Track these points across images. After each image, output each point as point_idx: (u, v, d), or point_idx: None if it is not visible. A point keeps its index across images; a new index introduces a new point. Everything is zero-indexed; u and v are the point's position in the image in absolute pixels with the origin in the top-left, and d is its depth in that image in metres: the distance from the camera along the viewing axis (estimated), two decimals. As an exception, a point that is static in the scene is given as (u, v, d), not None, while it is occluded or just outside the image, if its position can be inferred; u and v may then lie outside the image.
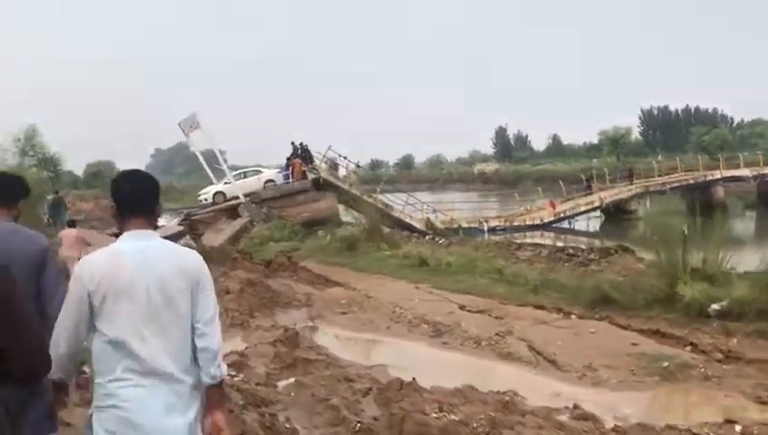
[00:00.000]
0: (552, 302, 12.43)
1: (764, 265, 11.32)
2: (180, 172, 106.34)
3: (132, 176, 2.94)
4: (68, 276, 3.52)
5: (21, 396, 2.59)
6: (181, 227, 23.96)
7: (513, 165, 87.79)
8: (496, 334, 10.61)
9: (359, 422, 6.16)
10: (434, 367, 9.06)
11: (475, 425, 5.70)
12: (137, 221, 2.79)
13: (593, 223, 36.30)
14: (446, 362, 9.51)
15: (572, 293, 12.56)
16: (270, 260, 19.12)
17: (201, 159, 30.41)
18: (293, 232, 24.34)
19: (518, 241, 22.98)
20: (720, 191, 37.83)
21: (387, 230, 21.51)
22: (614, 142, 77.56)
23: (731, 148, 61.48)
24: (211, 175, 31.04)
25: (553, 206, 34.60)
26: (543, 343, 9.96)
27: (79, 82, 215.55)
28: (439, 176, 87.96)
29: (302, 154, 29.63)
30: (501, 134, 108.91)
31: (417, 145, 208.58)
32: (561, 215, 33.87)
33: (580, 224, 35.05)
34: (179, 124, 28.45)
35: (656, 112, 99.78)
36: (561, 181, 40.46)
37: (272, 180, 29.76)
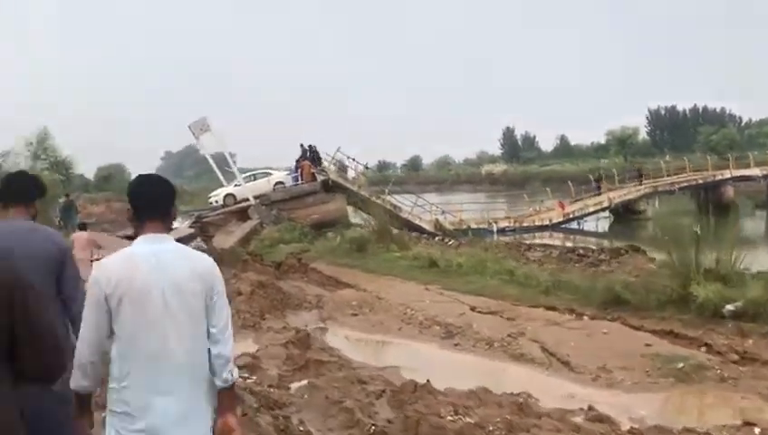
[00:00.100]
0: (563, 303, 12.37)
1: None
2: (190, 175, 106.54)
3: (148, 180, 2.96)
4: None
5: (36, 399, 2.58)
6: (192, 230, 24.04)
7: (521, 166, 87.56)
8: (508, 336, 10.57)
9: (373, 425, 6.14)
10: (446, 369, 9.03)
11: (491, 428, 5.67)
12: (152, 224, 2.81)
13: (602, 223, 36.19)
14: (459, 364, 9.48)
15: (584, 294, 12.49)
16: (280, 262, 19.13)
17: (211, 161, 30.45)
18: (303, 234, 24.34)
19: (528, 242, 22.93)
20: (730, 191, 37.59)
21: (396, 231, 21.47)
22: (621, 142, 77.34)
23: (739, 147, 61.15)
24: (221, 177, 31.08)
25: (562, 206, 34.51)
26: (556, 345, 9.92)
27: (89, 85, 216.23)
28: (447, 177, 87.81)
29: (310, 156, 29.64)
30: (508, 135, 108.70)
31: (425, 146, 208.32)
32: (571, 215, 33.76)
33: (589, 224, 34.92)
34: (189, 127, 28.49)
35: (663, 112, 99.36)
36: (569, 182, 40.37)
37: (281, 182, 29.77)
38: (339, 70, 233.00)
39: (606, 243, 27.04)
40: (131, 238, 2.90)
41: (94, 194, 52.58)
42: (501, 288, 14.03)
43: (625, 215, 35.71)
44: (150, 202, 2.85)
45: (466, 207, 34.58)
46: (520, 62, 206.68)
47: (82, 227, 14.30)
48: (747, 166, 39.97)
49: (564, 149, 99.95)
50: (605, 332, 10.46)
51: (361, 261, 18.64)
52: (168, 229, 2.89)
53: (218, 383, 2.79)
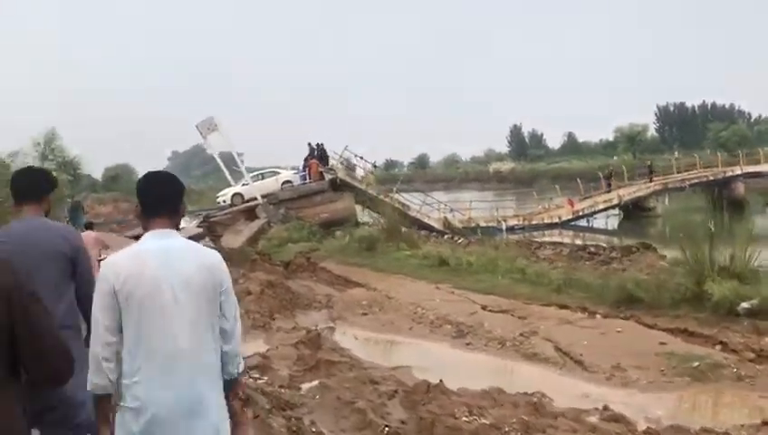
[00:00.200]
0: (575, 301, 12.24)
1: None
2: (197, 175, 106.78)
3: (157, 177, 2.97)
4: None
5: (38, 400, 2.55)
6: (200, 229, 24.02)
7: (529, 163, 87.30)
8: (521, 335, 10.47)
9: (386, 426, 6.06)
10: (458, 368, 8.93)
11: (507, 429, 5.59)
12: (160, 221, 2.81)
13: (612, 221, 36.05)
14: (471, 364, 9.39)
15: (597, 292, 12.35)
16: (289, 261, 19.07)
17: (219, 160, 30.43)
18: (311, 233, 24.27)
19: (538, 240, 22.82)
20: (740, 187, 37.31)
21: (405, 230, 21.36)
22: (630, 140, 77.00)
23: (749, 143, 60.64)
24: (229, 177, 31.05)
25: (572, 204, 34.38)
26: (569, 344, 9.80)
27: (96, 86, 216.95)
28: (455, 175, 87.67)
29: (318, 154, 29.56)
30: (516, 132, 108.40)
31: (432, 144, 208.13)
32: (580, 213, 33.64)
33: (598, 222, 34.79)
34: (197, 127, 28.45)
35: (672, 109, 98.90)
36: (578, 179, 40.24)
37: (289, 181, 29.73)
38: (342, 69, 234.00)
39: (616, 240, 26.93)
40: (139, 239, 2.88)
41: (102, 194, 52.75)
42: (512, 287, 13.91)
43: (635, 212, 35.53)
44: (158, 199, 2.85)
45: (475, 206, 34.45)
46: (526, 60, 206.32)
47: (89, 226, 14.30)
48: (757, 162, 39.69)
49: (572, 147, 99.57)
50: (619, 330, 10.32)
51: (371, 260, 18.54)
52: (176, 226, 2.89)
53: (223, 377, 2.83)
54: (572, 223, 32.88)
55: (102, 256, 11.88)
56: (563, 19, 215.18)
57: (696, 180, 37.49)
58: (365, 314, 12.52)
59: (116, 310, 2.64)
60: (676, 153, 53.37)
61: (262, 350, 9.67)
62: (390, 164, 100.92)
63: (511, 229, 30.13)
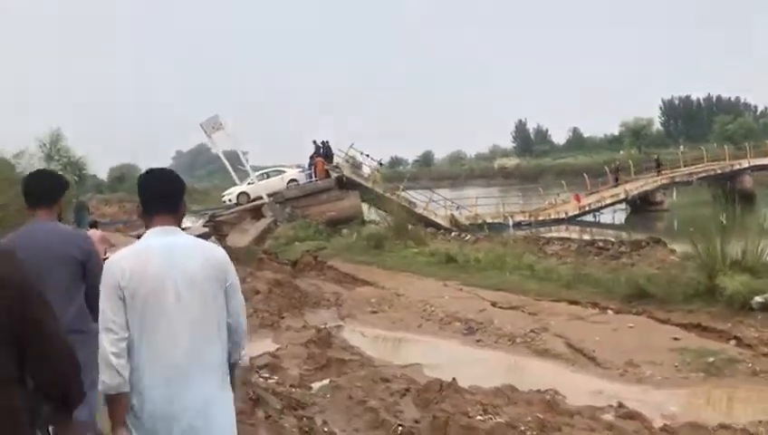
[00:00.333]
0: (586, 297, 12.13)
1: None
2: (202, 174, 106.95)
3: (158, 174, 2.95)
4: None
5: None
6: (206, 229, 23.97)
7: (534, 159, 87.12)
8: (531, 331, 10.37)
9: (399, 425, 6.00)
10: (469, 366, 8.85)
11: (522, 428, 5.50)
12: (162, 218, 2.80)
13: (618, 215, 35.92)
14: (482, 361, 9.31)
15: (607, 287, 12.25)
16: (296, 260, 19.02)
17: (224, 159, 30.38)
18: (318, 231, 24.20)
19: (546, 236, 22.72)
20: (748, 180, 37.15)
21: (412, 227, 21.29)
22: (635, 134, 76.63)
23: (755, 136, 60.34)
24: (234, 176, 30.99)
25: (578, 199, 34.26)
26: (581, 340, 9.70)
27: (100, 86, 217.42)
28: (460, 172, 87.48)
29: (323, 152, 29.48)
30: (520, 128, 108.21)
31: (437, 141, 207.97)
32: (587, 208, 33.54)
33: (605, 217, 34.68)
34: (201, 125, 28.39)
35: (677, 102, 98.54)
36: (585, 174, 40.10)
37: (295, 180, 29.64)
38: (342, 68, 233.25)
39: (624, 235, 26.77)
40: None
41: (107, 195, 52.83)
42: (521, 283, 13.81)
43: (642, 206, 35.40)
44: (160, 195, 2.85)
45: (481, 202, 34.37)
46: (530, 56, 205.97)
47: (94, 224, 14.29)
48: (765, 154, 39.55)
49: (577, 142, 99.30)
50: (631, 326, 10.21)
51: (378, 258, 18.46)
52: (178, 223, 2.88)
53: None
54: (579, 218, 32.78)
55: (107, 255, 11.88)
56: (566, 14, 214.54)
57: (704, 174, 37.35)
58: (374, 312, 12.46)
59: (121, 303, 2.62)
60: (681, 147, 53.10)
61: (271, 349, 9.63)
62: (395, 161, 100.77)
63: (517, 225, 30.03)
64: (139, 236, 2.93)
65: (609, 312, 11.20)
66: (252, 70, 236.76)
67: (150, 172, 2.96)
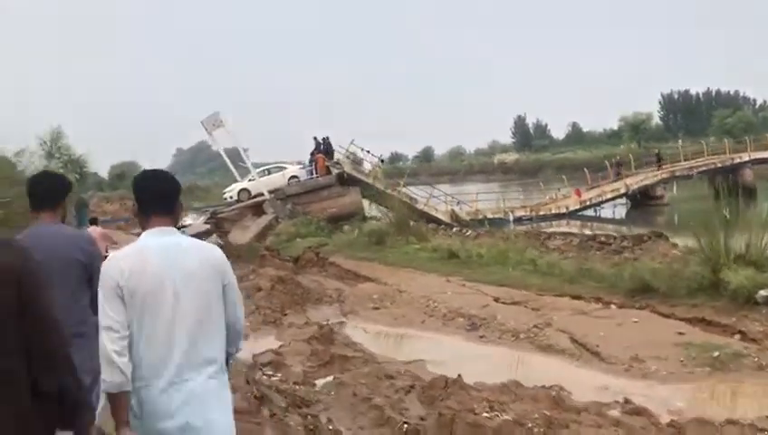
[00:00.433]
0: (589, 291, 12.10)
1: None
2: (203, 171, 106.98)
3: (153, 175, 2.99)
4: None
5: None
6: (208, 226, 23.96)
7: (534, 154, 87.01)
8: (535, 326, 10.33)
9: (405, 423, 5.97)
10: (473, 362, 8.82)
11: (530, 425, 5.46)
12: (158, 219, 2.82)
13: (619, 210, 35.88)
14: (486, 357, 9.28)
15: (610, 282, 12.21)
16: (298, 256, 18.97)
17: (225, 156, 30.29)
18: (319, 227, 24.14)
19: (547, 230, 22.64)
20: (749, 174, 37.04)
21: (413, 223, 21.24)
22: (635, 128, 76.57)
23: (755, 130, 60.29)
24: (235, 173, 30.91)
25: (579, 194, 34.22)
26: (585, 335, 9.67)
27: (101, 85, 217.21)
28: (460, 167, 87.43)
29: (324, 149, 29.39)
30: (520, 123, 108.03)
31: (437, 137, 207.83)
32: (587, 203, 33.49)
33: (605, 211, 34.64)
34: (202, 123, 28.29)
35: (676, 97, 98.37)
36: (585, 169, 40.05)
37: (295, 176, 29.55)
38: (342, 67, 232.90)
39: (624, 229, 26.73)
40: None
41: (108, 192, 52.80)
42: (524, 278, 13.77)
43: (642, 201, 35.35)
44: (155, 196, 2.86)
45: (481, 197, 34.33)
46: (529, 52, 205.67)
47: (94, 221, 14.27)
48: (765, 148, 39.48)
49: (576, 137, 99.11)
50: (635, 320, 10.18)
51: (380, 254, 18.41)
52: (174, 224, 2.89)
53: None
54: (580, 213, 32.73)
55: (109, 252, 11.84)
56: (566, 10, 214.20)
57: (704, 168, 37.23)
58: (376, 309, 12.43)
59: (122, 304, 2.63)
60: (680, 141, 52.99)
61: (274, 346, 9.61)
62: (395, 157, 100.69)
63: (518, 220, 29.99)
64: (140, 234, 2.92)
65: (613, 306, 11.16)
66: (252, 70, 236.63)
67: (146, 173, 3.01)
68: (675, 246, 16.08)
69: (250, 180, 29.79)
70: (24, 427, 2.06)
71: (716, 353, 8.31)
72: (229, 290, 2.85)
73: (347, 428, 6.21)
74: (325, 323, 11.15)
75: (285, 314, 11.89)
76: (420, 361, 8.97)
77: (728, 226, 11.27)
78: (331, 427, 6.13)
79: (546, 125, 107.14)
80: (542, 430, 5.43)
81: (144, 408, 2.64)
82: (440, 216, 27.90)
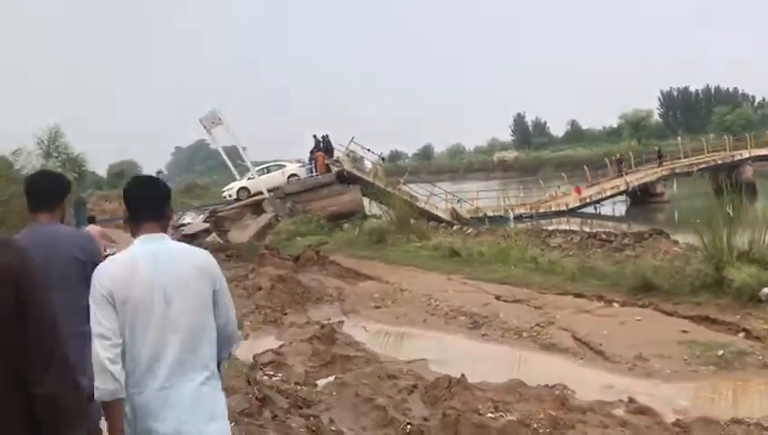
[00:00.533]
0: (591, 289, 12.02)
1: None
2: (201, 169, 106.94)
3: (142, 181, 3.05)
4: None
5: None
6: (207, 225, 23.89)
7: (533, 152, 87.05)
8: (537, 325, 10.25)
9: (408, 423, 5.91)
10: (476, 361, 8.72)
11: (535, 425, 5.40)
12: (148, 225, 2.85)
13: (619, 207, 35.86)
14: (489, 355, 9.19)
15: (612, 280, 12.14)
16: (298, 255, 18.88)
17: (223, 154, 30.22)
18: (319, 226, 24.10)
19: (548, 228, 22.59)
20: (749, 171, 37.04)
21: (414, 221, 21.17)
22: (634, 126, 76.68)
23: (754, 127, 60.29)
24: (234, 171, 30.82)
25: (579, 191, 34.18)
26: (587, 333, 9.59)
27: (100, 84, 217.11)
28: (459, 165, 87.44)
29: (324, 147, 29.31)
30: (519, 121, 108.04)
31: (437, 135, 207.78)
32: (587, 200, 33.47)
33: (605, 208, 34.63)
34: (201, 121, 28.21)
35: (675, 94, 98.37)
36: (585, 166, 40.00)
37: (295, 174, 29.47)
38: (342, 66, 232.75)
39: (625, 227, 26.71)
40: None
41: (107, 191, 52.70)
42: (525, 276, 13.69)
43: (642, 198, 35.34)
44: (145, 203, 2.89)
45: (481, 195, 34.29)
46: (528, 49, 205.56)
47: (92, 220, 14.20)
48: (765, 145, 39.47)
49: (576, 134, 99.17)
50: (638, 319, 10.08)
51: (381, 252, 18.35)
52: (164, 229, 2.92)
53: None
54: (580, 210, 32.71)
55: (107, 252, 11.77)
56: (564, 7, 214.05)
57: (704, 165, 37.23)
58: (378, 308, 12.35)
59: (114, 311, 2.64)
60: (680, 138, 52.97)
61: (275, 346, 9.54)
62: (395, 155, 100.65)
63: (518, 218, 29.94)
64: None
65: (615, 304, 11.08)
66: (252, 70, 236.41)
67: (136, 180, 3.05)
68: (676, 243, 16.02)
69: (249, 179, 29.71)
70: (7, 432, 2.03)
71: (721, 352, 8.23)
72: (220, 294, 2.86)
73: (349, 429, 6.14)
74: (326, 322, 11.08)
75: (286, 314, 11.81)
76: (422, 360, 8.89)
77: (731, 223, 11.20)
78: (333, 428, 6.07)
79: (545, 123, 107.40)
80: (547, 430, 5.37)
81: (137, 414, 2.65)
82: (441, 214, 27.87)
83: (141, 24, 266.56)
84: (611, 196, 34.47)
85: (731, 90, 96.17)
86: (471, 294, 12.80)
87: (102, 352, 2.59)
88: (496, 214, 29.99)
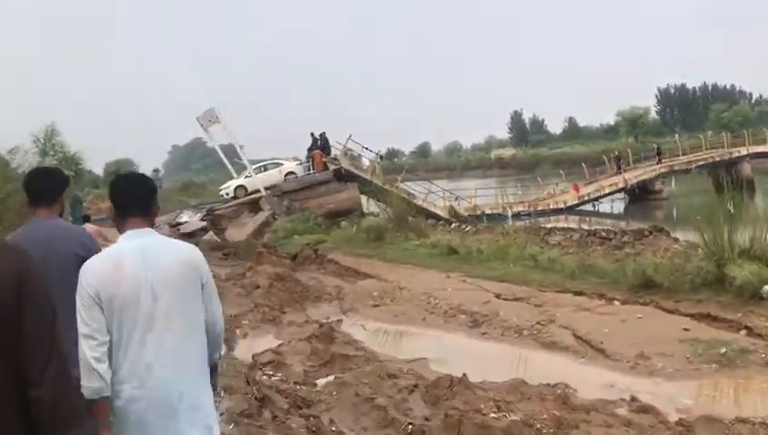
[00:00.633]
0: (591, 287, 11.94)
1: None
2: (198, 167, 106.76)
3: (127, 178, 3.12)
4: None
5: None
6: (204, 223, 23.79)
7: (530, 149, 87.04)
8: (538, 323, 10.18)
9: (410, 423, 5.85)
10: (476, 359, 8.67)
11: (539, 425, 5.33)
12: (134, 221, 2.87)
13: (617, 205, 35.84)
14: (489, 354, 9.13)
15: (613, 277, 12.07)
16: (296, 253, 18.80)
17: (220, 153, 30.10)
18: (317, 224, 24.01)
19: (547, 226, 22.56)
20: (747, 168, 37.02)
21: (412, 219, 21.10)
22: (632, 123, 76.70)
23: (751, 124, 60.33)
24: (231, 169, 30.70)
25: (577, 189, 34.14)
26: (589, 331, 9.51)
27: (99, 84, 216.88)
28: (457, 163, 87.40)
29: (321, 145, 29.21)
30: (516, 119, 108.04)
31: (434, 133, 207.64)
32: (586, 198, 33.43)
33: (603, 206, 34.60)
34: (198, 119, 28.09)
35: (673, 91, 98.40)
36: (583, 164, 39.98)
37: (292, 172, 29.35)
38: (341, 64, 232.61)
39: (623, 224, 26.68)
40: None
41: (103, 190, 52.47)
42: (525, 274, 13.60)
43: (641, 195, 35.32)
44: (131, 199, 2.92)
45: (479, 193, 34.24)
46: (526, 46, 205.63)
47: (87, 218, 14.15)
48: (763, 142, 39.47)
49: (573, 132, 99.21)
50: (639, 316, 9.99)
51: (379, 250, 18.25)
52: (150, 224, 2.94)
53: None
54: (578, 208, 32.67)
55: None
56: (563, 4, 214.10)
57: (703, 162, 37.21)
58: (377, 306, 12.27)
59: (100, 310, 2.65)
60: (677, 135, 52.97)
61: (273, 345, 9.47)
62: (392, 153, 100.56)
63: (517, 216, 29.89)
64: None
65: (616, 302, 11.00)
66: (252, 70, 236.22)
67: (121, 176, 3.13)
68: (676, 240, 16.00)
69: (246, 177, 29.59)
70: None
71: (723, 350, 8.17)
72: (207, 288, 2.88)
73: (350, 429, 6.08)
74: (325, 320, 11.02)
75: (284, 312, 11.74)
76: (423, 359, 8.82)
77: (732, 220, 11.14)
78: (333, 428, 6.01)
79: (543, 120, 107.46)
80: (551, 430, 5.30)
81: (128, 410, 2.65)
82: (439, 211, 27.80)
83: (141, 23, 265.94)
84: (610, 193, 34.44)
85: (728, 87, 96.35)
86: (470, 292, 12.72)
87: (89, 351, 2.58)
88: (494, 212, 29.94)
